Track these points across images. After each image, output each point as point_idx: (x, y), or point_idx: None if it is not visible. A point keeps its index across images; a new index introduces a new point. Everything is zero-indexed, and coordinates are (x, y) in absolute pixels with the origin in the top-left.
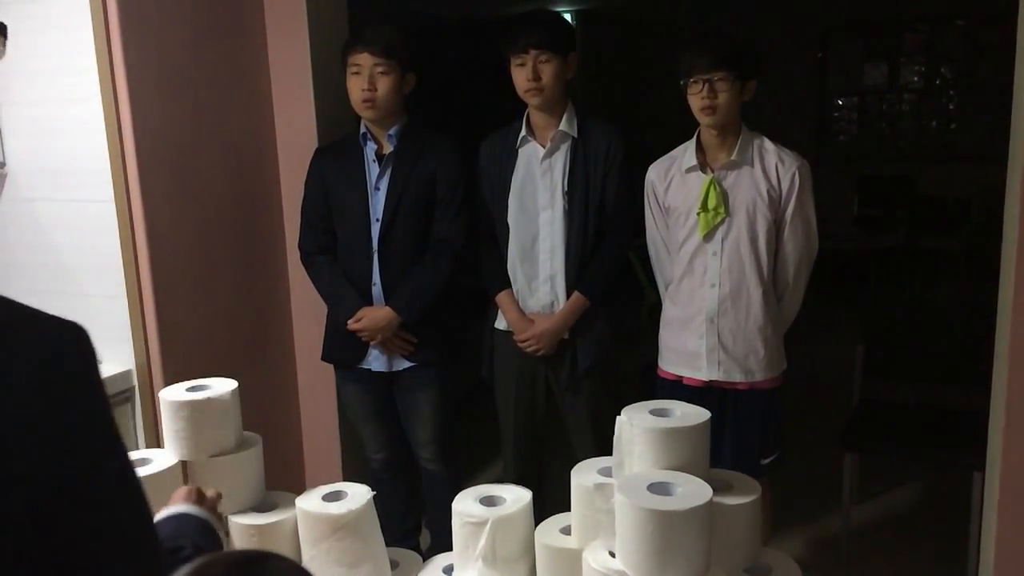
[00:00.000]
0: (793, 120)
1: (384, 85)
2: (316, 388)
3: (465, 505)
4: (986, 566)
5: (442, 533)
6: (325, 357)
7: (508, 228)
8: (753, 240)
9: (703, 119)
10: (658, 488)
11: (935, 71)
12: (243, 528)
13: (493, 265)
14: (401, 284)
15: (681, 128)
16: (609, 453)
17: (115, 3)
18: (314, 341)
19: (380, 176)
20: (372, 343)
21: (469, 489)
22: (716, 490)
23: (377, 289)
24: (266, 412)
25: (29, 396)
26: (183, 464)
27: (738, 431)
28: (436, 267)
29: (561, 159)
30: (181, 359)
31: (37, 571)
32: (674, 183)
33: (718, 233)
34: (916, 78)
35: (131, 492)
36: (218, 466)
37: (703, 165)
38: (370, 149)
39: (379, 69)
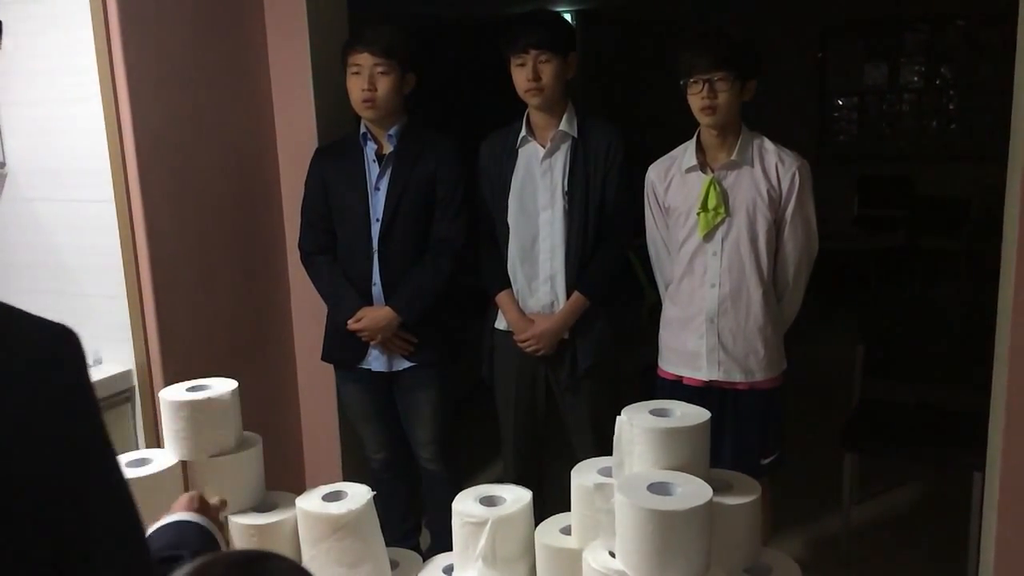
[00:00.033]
0: (793, 120)
1: (384, 85)
2: (316, 388)
3: (465, 505)
4: (986, 566)
5: (442, 533)
6: (325, 357)
7: (508, 228)
8: (753, 240)
9: (703, 119)
10: (658, 488)
11: (935, 71)
12: (243, 528)
13: (493, 265)
14: (401, 284)
15: (681, 128)
16: (609, 453)
17: (115, 3)
18: (314, 341)
19: (380, 176)
20: (372, 343)
21: (469, 489)
22: (716, 490)
23: (377, 289)
24: (266, 412)
25: (17, 399)
26: (183, 464)
27: (738, 431)
28: (436, 267)
29: (561, 159)
30: (181, 359)
31: (25, 574)
32: (674, 183)
33: (718, 233)
34: (916, 78)
35: (119, 496)
36: (218, 466)
37: (703, 165)
38: (370, 149)
39: (379, 69)
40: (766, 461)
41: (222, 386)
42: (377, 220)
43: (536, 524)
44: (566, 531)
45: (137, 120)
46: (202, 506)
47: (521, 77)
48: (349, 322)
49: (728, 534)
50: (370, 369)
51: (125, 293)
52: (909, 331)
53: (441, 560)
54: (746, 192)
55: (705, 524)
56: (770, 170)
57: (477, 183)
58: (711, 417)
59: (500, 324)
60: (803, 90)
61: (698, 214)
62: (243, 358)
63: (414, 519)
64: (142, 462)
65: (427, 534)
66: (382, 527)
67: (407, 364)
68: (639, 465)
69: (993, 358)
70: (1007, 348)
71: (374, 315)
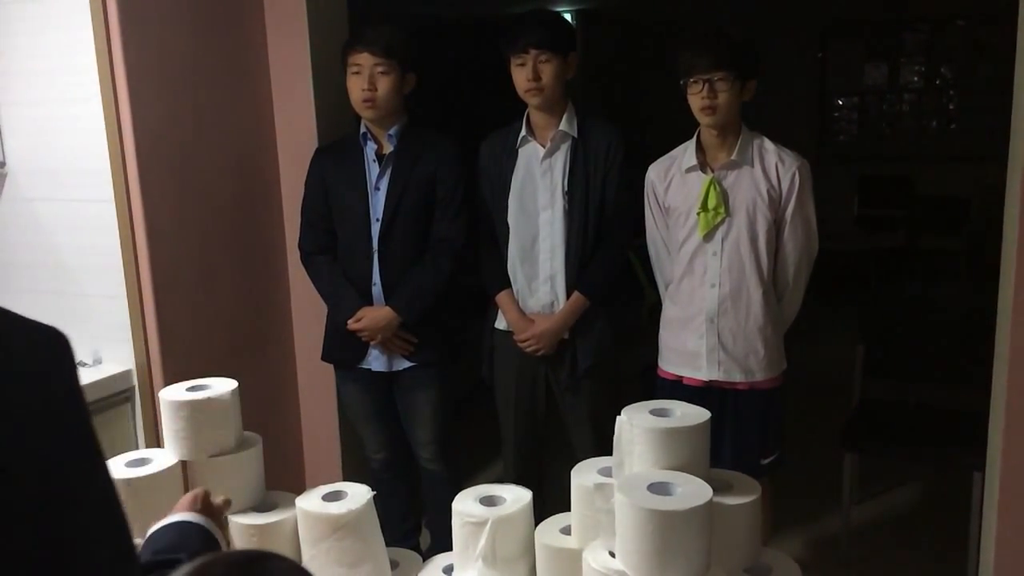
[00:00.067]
0: (793, 120)
1: (384, 85)
2: (316, 388)
3: (465, 505)
4: (986, 566)
5: (442, 533)
6: (325, 357)
7: (508, 228)
8: (753, 240)
9: (703, 119)
10: (658, 488)
11: (935, 71)
12: (243, 528)
13: (493, 265)
14: (401, 284)
15: (681, 128)
16: (609, 453)
17: (115, 3)
18: (314, 341)
19: (380, 176)
20: (372, 343)
21: (469, 489)
22: (716, 490)
23: (377, 289)
24: (266, 412)
25: (5, 403)
26: (183, 464)
27: (738, 431)
28: (436, 267)
29: (561, 159)
30: (181, 359)
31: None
32: (674, 183)
33: (718, 233)
34: (916, 78)
35: (108, 504)
36: (218, 466)
37: (703, 165)
38: (370, 149)
39: (379, 69)
40: (766, 461)
41: (222, 386)
42: (377, 220)
43: (536, 524)
44: (566, 531)
45: (137, 120)
46: (205, 506)
47: (521, 77)
48: (349, 322)
49: (728, 534)
50: (370, 369)
51: (125, 293)
52: (909, 331)
53: (441, 560)
54: (746, 192)
55: (705, 524)
56: (770, 170)
57: (477, 183)
58: (711, 417)
59: (500, 324)
60: (803, 90)
61: (698, 214)
62: (243, 358)
63: (414, 519)
64: (142, 462)
65: (427, 534)
66: (382, 527)
67: (407, 364)
68: (639, 465)
69: (993, 358)
70: (1007, 348)
71: (374, 315)
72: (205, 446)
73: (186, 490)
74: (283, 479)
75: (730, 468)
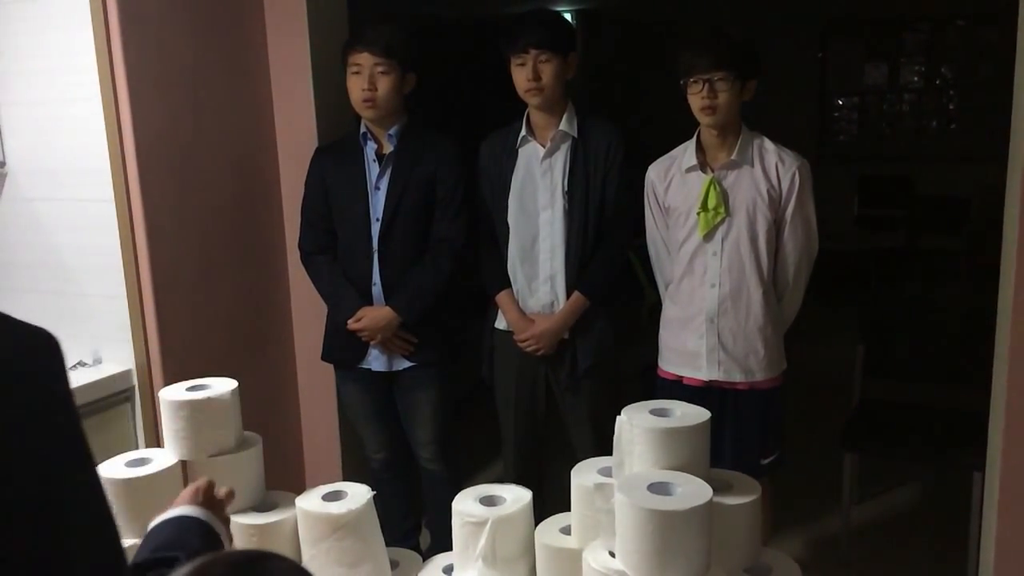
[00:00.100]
0: (793, 120)
1: (384, 85)
2: (316, 388)
3: (465, 505)
4: (986, 566)
5: (442, 533)
6: (325, 357)
7: (508, 228)
8: (753, 240)
9: (703, 119)
10: (658, 488)
11: (935, 71)
12: (243, 528)
13: (493, 265)
14: (401, 284)
15: (681, 128)
16: (609, 453)
17: (115, 3)
18: (314, 341)
19: (380, 176)
20: (372, 343)
21: (469, 489)
22: (716, 490)
23: (377, 289)
24: (266, 412)
25: None
26: (183, 464)
27: (738, 431)
28: (436, 267)
29: (561, 159)
30: (181, 359)
31: None
32: (674, 183)
33: (718, 233)
34: (916, 78)
35: (97, 507)
36: (218, 466)
37: (703, 165)
38: (370, 149)
39: (379, 69)
40: (766, 461)
41: (222, 386)
42: (377, 220)
43: (536, 524)
44: (566, 531)
45: (137, 120)
46: (207, 498)
47: (521, 77)
48: (349, 322)
49: (728, 534)
50: (370, 369)
51: (125, 293)
52: (909, 331)
53: (441, 560)
54: (746, 192)
55: (705, 524)
56: (770, 170)
57: (477, 183)
58: (711, 417)
59: (500, 324)
60: (803, 90)
61: (698, 214)
62: (243, 358)
63: (414, 519)
64: (142, 462)
65: (427, 534)
66: (382, 527)
67: (407, 364)
68: (639, 465)
69: (993, 358)
70: (1007, 348)
71: (374, 315)
72: (205, 446)
73: None
74: (283, 479)
75: (730, 468)
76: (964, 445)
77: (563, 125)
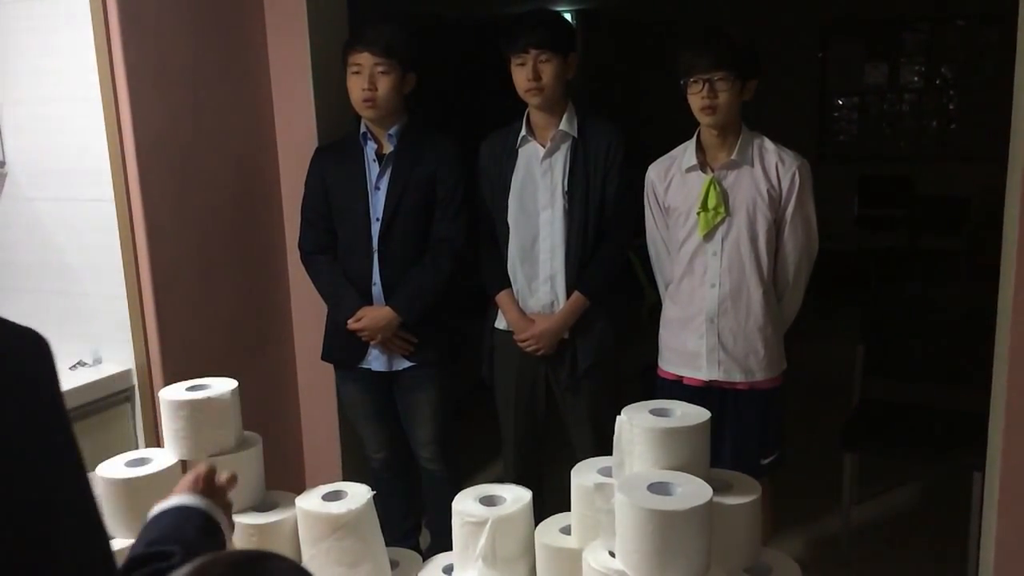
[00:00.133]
0: (793, 120)
1: (384, 85)
2: (316, 388)
3: (465, 505)
4: (986, 566)
5: (442, 533)
6: (325, 357)
7: (508, 228)
8: (753, 240)
9: (703, 119)
10: (658, 488)
11: (935, 71)
12: (243, 528)
13: (493, 265)
14: (401, 284)
15: (681, 128)
16: (609, 453)
17: (115, 3)
18: (314, 341)
19: (380, 176)
20: (372, 343)
21: (469, 489)
22: (716, 490)
23: (377, 289)
24: (266, 412)
25: None
26: (183, 464)
27: (738, 431)
28: (436, 267)
29: (561, 159)
30: (181, 359)
31: None
32: (674, 183)
33: (718, 233)
34: (916, 78)
35: (86, 505)
36: (218, 466)
37: (703, 165)
38: (370, 149)
39: (379, 69)
40: (766, 461)
41: (222, 386)
42: (377, 220)
43: (536, 524)
44: (566, 531)
45: (137, 120)
46: (207, 486)
47: (521, 77)
48: (349, 322)
49: (728, 534)
50: (370, 369)
51: (125, 293)
52: (909, 331)
53: (441, 560)
54: (746, 192)
55: (705, 524)
56: (770, 170)
57: (477, 183)
58: (711, 417)
59: (500, 324)
60: (803, 90)
61: (698, 214)
62: (243, 358)
63: (414, 519)
64: (142, 462)
65: (427, 534)
66: (382, 527)
67: (407, 364)
68: (639, 465)
69: (993, 358)
70: (1007, 348)
71: (374, 315)
72: (205, 446)
73: None
74: (283, 479)
75: (730, 468)
76: (964, 445)
77: (563, 125)
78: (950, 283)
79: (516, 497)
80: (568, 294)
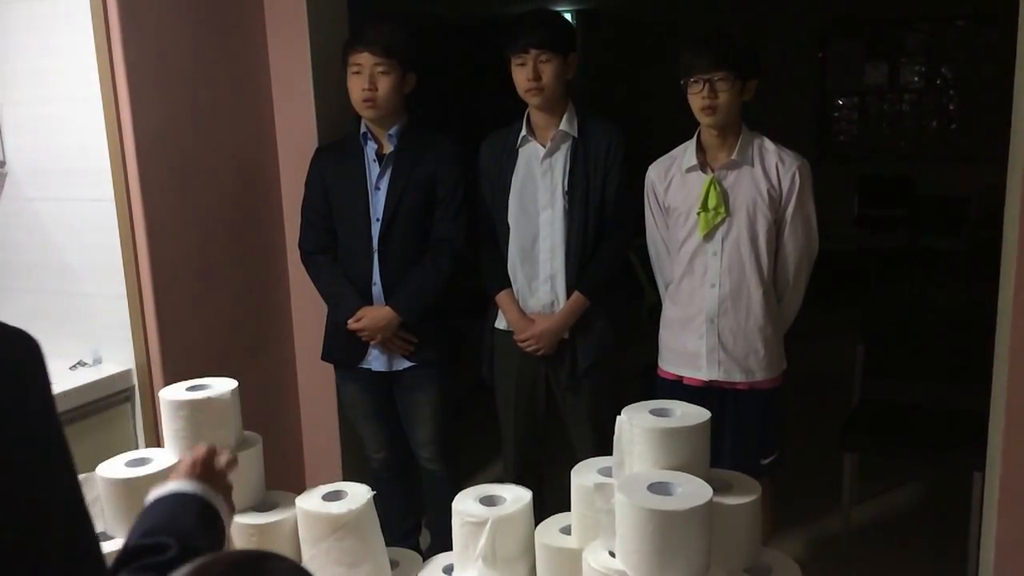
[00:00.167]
0: (793, 120)
1: (384, 85)
2: (316, 388)
3: (465, 505)
4: (986, 566)
5: (442, 533)
6: (325, 357)
7: (508, 228)
8: (753, 240)
9: (703, 119)
10: (658, 488)
11: (935, 71)
12: (243, 528)
13: (493, 265)
14: (401, 284)
15: (681, 128)
16: (609, 453)
17: (115, 3)
18: (314, 341)
19: (380, 176)
20: (372, 343)
21: (469, 489)
22: (716, 490)
23: (377, 289)
24: (266, 412)
25: None
26: None
27: (738, 431)
28: (436, 267)
29: (561, 159)
30: (181, 359)
31: None
32: (674, 183)
33: (718, 233)
34: (916, 78)
35: (74, 503)
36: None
37: (703, 165)
38: (370, 149)
39: (380, 69)
40: (766, 461)
41: (222, 386)
42: (377, 220)
43: (536, 524)
44: (566, 531)
45: (137, 120)
46: (205, 471)
47: (521, 77)
48: (349, 322)
49: (728, 534)
50: (370, 369)
51: (125, 293)
52: (909, 331)
53: (441, 560)
54: (746, 192)
55: (705, 524)
56: (770, 170)
57: (477, 183)
58: (711, 417)
59: (500, 324)
60: (803, 90)
61: (698, 214)
62: (243, 358)
63: (414, 519)
64: (142, 462)
65: (427, 534)
66: (382, 527)
67: (407, 364)
68: (639, 465)
69: (993, 358)
70: (1007, 348)
71: (374, 315)
72: None
73: None
74: (283, 479)
75: (730, 468)
76: (964, 445)
77: (563, 125)
78: (950, 283)
79: (516, 497)
80: (568, 294)
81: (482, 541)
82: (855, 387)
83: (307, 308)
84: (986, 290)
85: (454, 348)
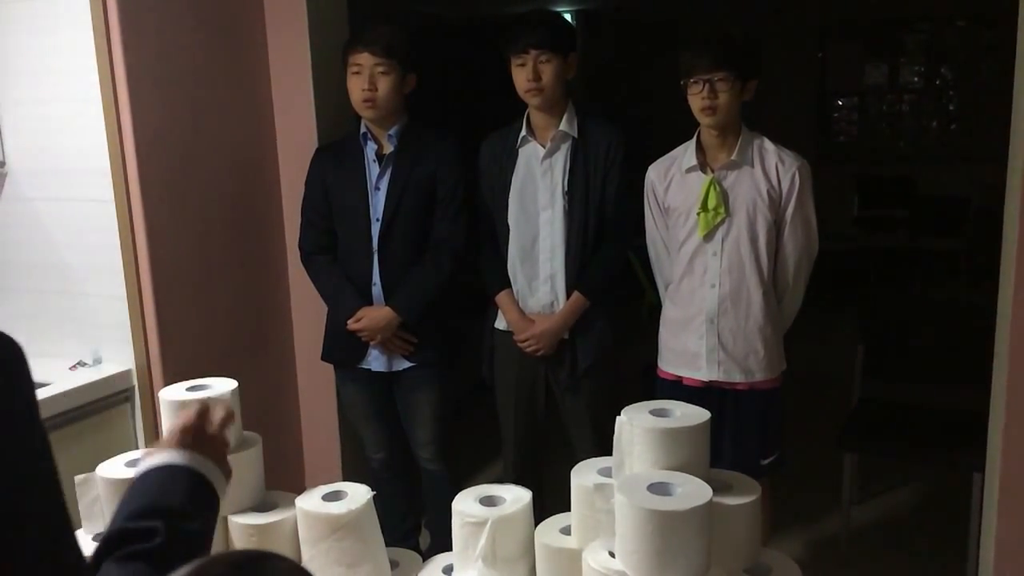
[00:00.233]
0: (793, 120)
1: (384, 85)
2: (316, 388)
3: (465, 505)
4: (986, 566)
5: (442, 533)
6: (325, 357)
7: (508, 228)
8: (753, 240)
9: (703, 119)
10: (658, 488)
11: (935, 71)
12: (243, 528)
13: (493, 265)
14: (401, 284)
15: (681, 128)
16: (609, 453)
17: (115, 3)
18: (314, 341)
19: (380, 176)
20: (372, 343)
21: (469, 489)
22: (716, 490)
23: (377, 289)
24: (266, 412)
25: None
26: None
27: (738, 431)
28: (436, 267)
29: (561, 159)
30: (181, 359)
31: None
32: (674, 183)
33: (718, 233)
34: (916, 78)
35: (55, 505)
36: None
37: (703, 165)
38: (370, 149)
39: (379, 69)
40: (766, 461)
41: (222, 386)
42: (377, 220)
43: (536, 524)
44: (566, 531)
45: (137, 120)
46: (197, 438)
47: (521, 77)
48: (349, 322)
49: (728, 534)
50: (370, 369)
51: (125, 293)
52: (909, 331)
53: (441, 560)
54: (746, 192)
55: (705, 524)
56: (770, 170)
57: (477, 183)
58: (711, 417)
59: (500, 324)
60: (803, 90)
61: (698, 214)
62: (243, 358)
63: (414, 519)
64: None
65: (427, 534)
66: (382, 527)
67: (407, 364)
68: (639, 465)
69: (993, 358)
70: (1007, 348)
71: (374, 315)
72: None
73: None
74: (283, 479)
75: (730, 468)
76: (964, 445)
77: (563, 125)
78: (950, 283)
79: (516, 497)
80: (568, 294)
81: (482, 541)
82: (855, 387)
83: (307, 308)
84: (986, 290)
85: (454, 348)
